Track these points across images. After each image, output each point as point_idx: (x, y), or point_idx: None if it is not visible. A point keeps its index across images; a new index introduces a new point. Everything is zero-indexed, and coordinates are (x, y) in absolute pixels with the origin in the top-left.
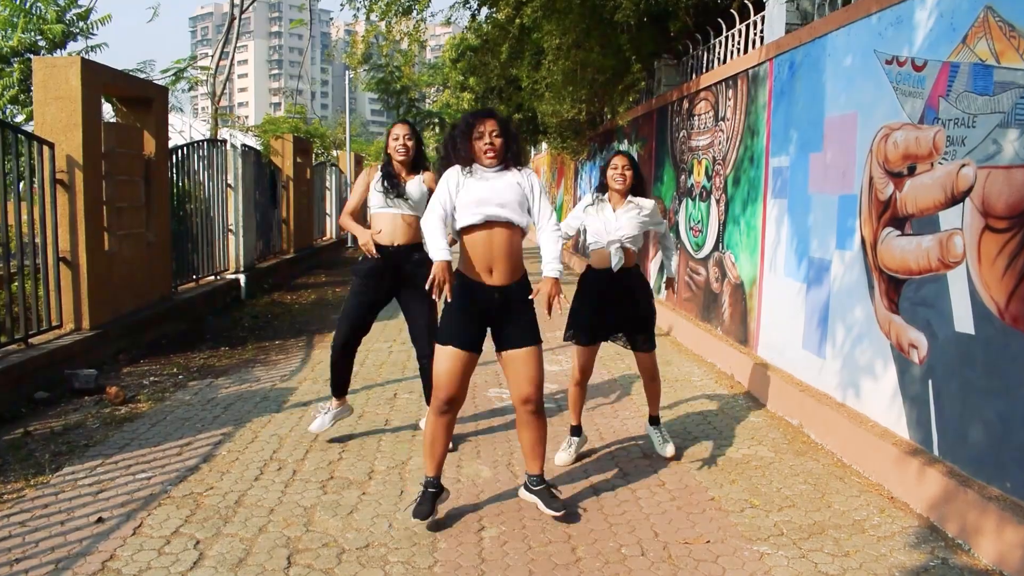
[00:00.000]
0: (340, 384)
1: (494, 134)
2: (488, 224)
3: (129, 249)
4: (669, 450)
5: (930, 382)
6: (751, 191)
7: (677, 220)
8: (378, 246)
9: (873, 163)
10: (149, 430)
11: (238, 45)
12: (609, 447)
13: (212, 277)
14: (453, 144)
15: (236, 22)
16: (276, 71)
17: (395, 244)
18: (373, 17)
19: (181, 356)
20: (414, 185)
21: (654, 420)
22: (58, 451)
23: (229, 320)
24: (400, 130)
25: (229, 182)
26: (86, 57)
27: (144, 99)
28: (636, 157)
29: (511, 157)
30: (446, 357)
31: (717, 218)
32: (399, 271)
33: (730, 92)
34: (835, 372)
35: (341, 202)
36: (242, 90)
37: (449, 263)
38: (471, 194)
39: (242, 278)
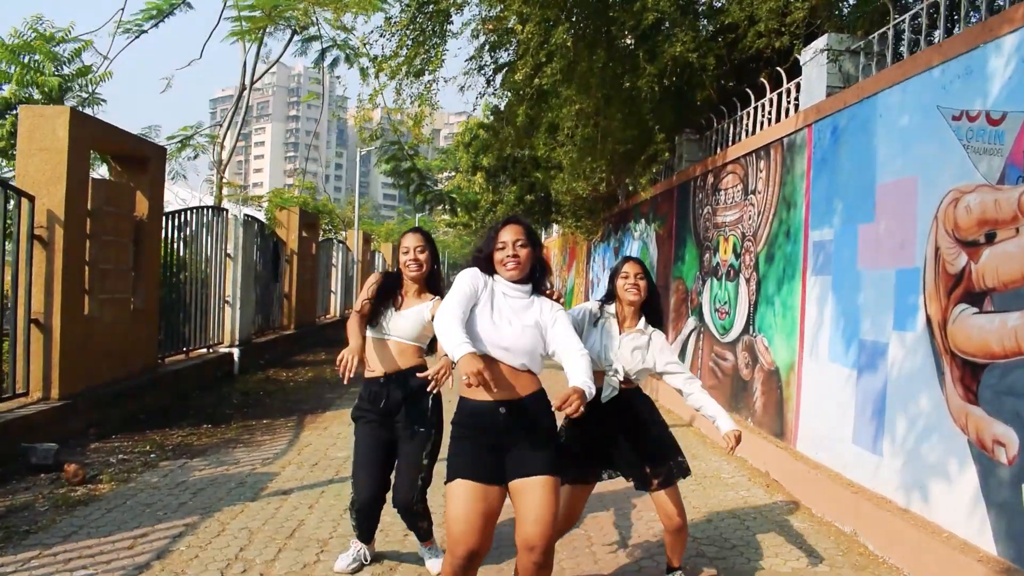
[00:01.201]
0: (370, 532)
1: (518, 244)
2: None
3: (112, 314)
4: None
5: (1023, 487)
6: (787, 268)
7: (701, 302)
8: (368, 379)
9: (940, 232)
10: (103, 516)
11: (256, 128)
12: (633, 556)
13: (204, 350)
14: (478, 254)
15: (247, 92)
16: (292, 153)
17: (383, 375)
18: (383, 77)
19: (158, 432)
20: (413, 314)
21: (672, 570)
22: None
23: (217, 396)
24: (412, 241)
25: (229, 252)
26: (79, 110)
27: (139, 158)
28: (655, 235)
29: (538, 275)
30: (459, 496)
31: (747, 299)
32: (393, 404)
33: (762, 163)
34: (896, 471)
35: (347, 280)
36: (258, 171)
37: (474, 355)
38: (477, 320)
39: (236, 352)
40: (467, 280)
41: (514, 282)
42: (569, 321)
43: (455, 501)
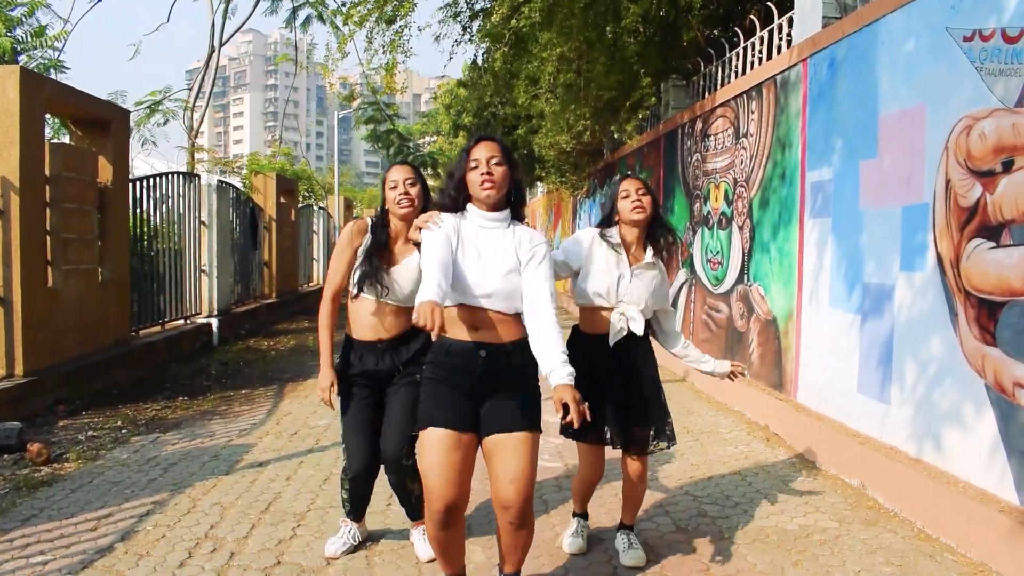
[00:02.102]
0: (362, 509)
1: (493, 161)
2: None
3: (77, 286)
4: (630, 558)
5: None
6: (783, 213)
7: (692, 253)
8: (360, 343)
9: (951, 163)
10: (66, 497)
11: (234, 98)
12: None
13: (181, 321)
14: (449, 185)
15: (216, 54)
16: (271, 123)
17: (381, 340)
18: (351, 25)
19: (131, 407)
20: (410, 269)
21: (625, 527)
22: None
23: (195, 368)
24: (399, 174)
25: (203, 219)
26: (32, 70)
27: (101, 121)
28: None
29: (515, 201)
30: (431, 445)
31: (741, 247)
32: (389, 370)
33: (753, 104)
34: (906, 421)
35: (329, 247)
36: (237, 142)
37: (433, 302)
38: (462, 267)
39: (214, 322)
40: (440, 237)
41: (490, 209)
42: (549, 264)
43: (429, 450)
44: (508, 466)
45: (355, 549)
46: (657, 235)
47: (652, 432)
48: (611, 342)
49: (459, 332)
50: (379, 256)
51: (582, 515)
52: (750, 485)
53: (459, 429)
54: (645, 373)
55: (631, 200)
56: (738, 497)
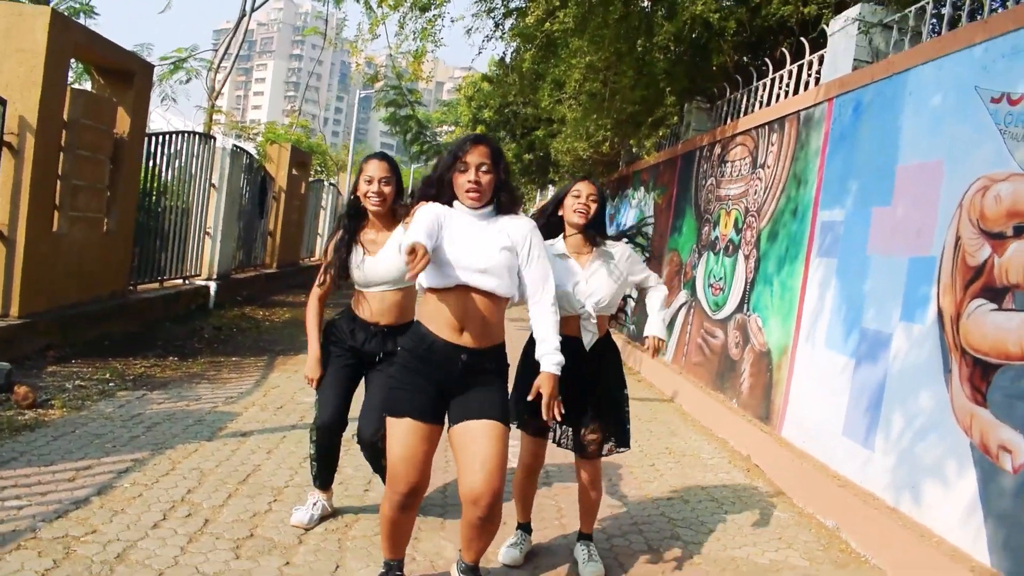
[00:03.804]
0: (328, 474)
1: (482, 168)
2: (462, 288)
3: (82, 233)
4: (589, 571)
5: None
6: (791, 248)
7: (695, 276)
8: (358, 319)
9: (963, 220)
10: (48, 444)
11: (258, 64)
12: (606, 533)
13: (179, 280)
14: (433, 179)
15: (247, 18)
16: (292, 93)
17: (378, 324)
18: (385, 7)
19: (121, 361)
20: (390, 254)
21: (584, 537)
22: None
23: (188, 329)
24: (375, 169)
25: (213, 182)
26: (62, 13)
27: (125, 72)
28: (653, 205)
29: (503, 199)
30: (401, 434)
31: (744, 276)
32: (376, 351)
33: (774, 136)
34: (887, 469)
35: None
36: (256, 108)
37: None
38: (446, 248)
39: (213, 286)
40: (429, 212)
41: (475, 208)
42: (541, 248)
43: (399, 440)
44: (478, 451)
45: (321, 521)
46: (595, 239)
47: (603, 436)
48: (587, 346)
49: (444, 330)
50: (348, 248)
51: (525, 526)
52: (725, 513)
53: (428, 421)
54: (607, 380)
55: (579, 201)
56: (712, 524)
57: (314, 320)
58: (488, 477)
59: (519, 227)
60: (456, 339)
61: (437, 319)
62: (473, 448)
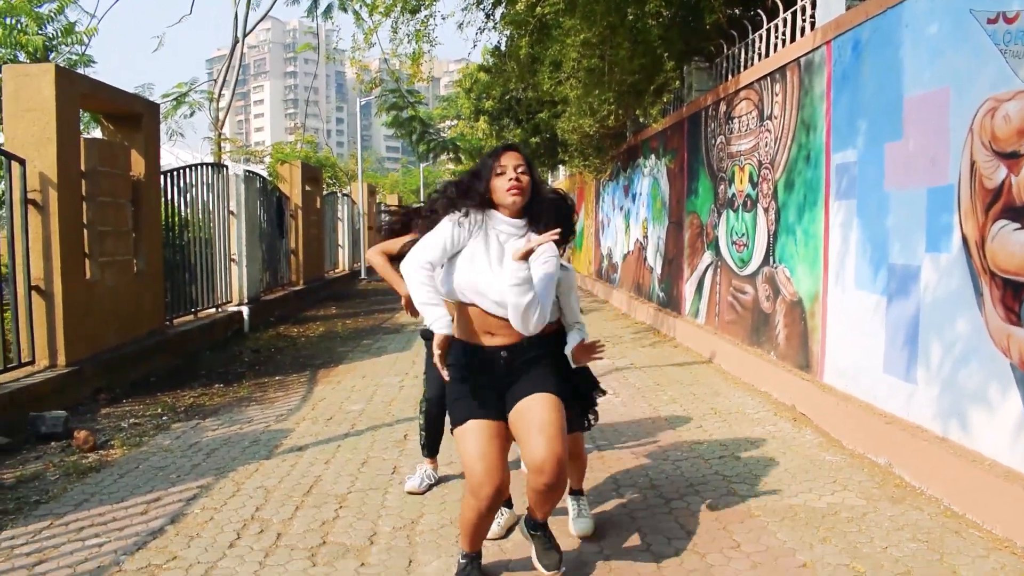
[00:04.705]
0: (435, 443)
1: (520, 169)
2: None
3: (114, 278)
4: (579, 527)
5: None
6: (808, 195)
7: (717, 235)
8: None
9: (975, 145)
10: (115, 482)
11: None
12: (664, 497)
13: (212, 309)
14: (467, 184)
15: (240, 44)
16: (292, 110)
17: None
18: (377, 16)
19: (169, 395)
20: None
21: (575, 492)
22: (3, 509)
23: (228, 355)
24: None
25: (231, 209)
26: (65, 67)
27: (132, 115)
28: (666, 171)
29: (536, 209)
30: (474, 436)
31: (766, 229)
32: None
33: (777, 87)
34: (932, 400)
35: (354, 233)
36: (259, 130)
37: (449, 337)
38: (467, 270)
39: (245, 310)
40: (449, 227)
41: (513, 216)
42: (571, 287)
43: (472, 442)
44: (534, 418)
45: (430, 488)
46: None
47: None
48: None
49: (475, 337)
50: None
51: (577, 492)
52: (777, 464)
53: (491, 418)
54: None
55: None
56: (766, 476)
57: (389, 267)
58: (548, 441)
59: (540, 254)
60: (490, 341)
61: (465, 328)
62: (529, 416)
